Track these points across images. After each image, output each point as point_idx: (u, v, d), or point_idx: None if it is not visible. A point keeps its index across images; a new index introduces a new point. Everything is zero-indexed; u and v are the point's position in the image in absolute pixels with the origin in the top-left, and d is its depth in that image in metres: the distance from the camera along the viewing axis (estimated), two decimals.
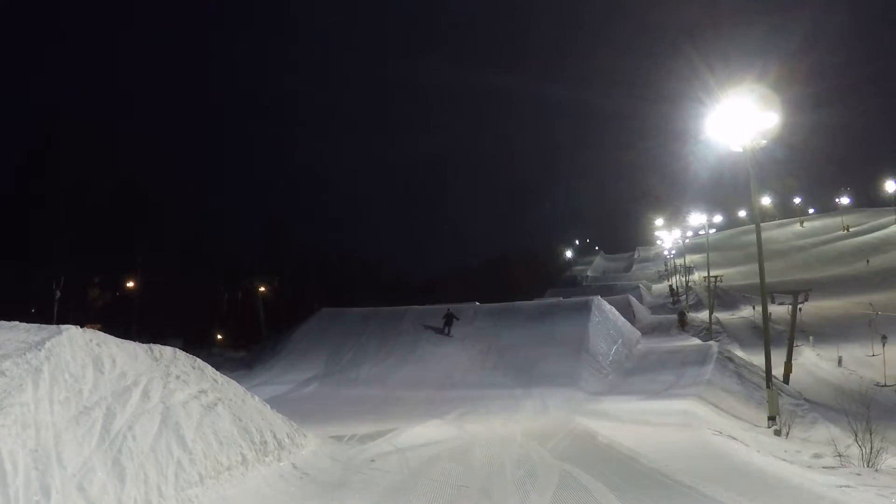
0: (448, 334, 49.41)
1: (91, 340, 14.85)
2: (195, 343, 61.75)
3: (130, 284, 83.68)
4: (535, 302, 67.94)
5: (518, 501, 14.59)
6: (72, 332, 14.58)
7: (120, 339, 16.15)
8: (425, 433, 24.06)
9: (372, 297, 76.77)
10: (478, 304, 58.81)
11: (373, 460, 18.61)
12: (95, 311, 77.03)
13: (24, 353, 13.19)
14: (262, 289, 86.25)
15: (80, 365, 13.78)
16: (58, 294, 60.16)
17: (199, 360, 17.81)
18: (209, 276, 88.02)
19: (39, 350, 13.36)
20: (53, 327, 14.89)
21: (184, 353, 17.59)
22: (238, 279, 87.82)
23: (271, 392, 36.33)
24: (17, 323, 15.83)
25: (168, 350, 17.16)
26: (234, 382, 18.13)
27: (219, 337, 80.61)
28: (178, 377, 15.65)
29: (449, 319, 50.28)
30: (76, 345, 14.26)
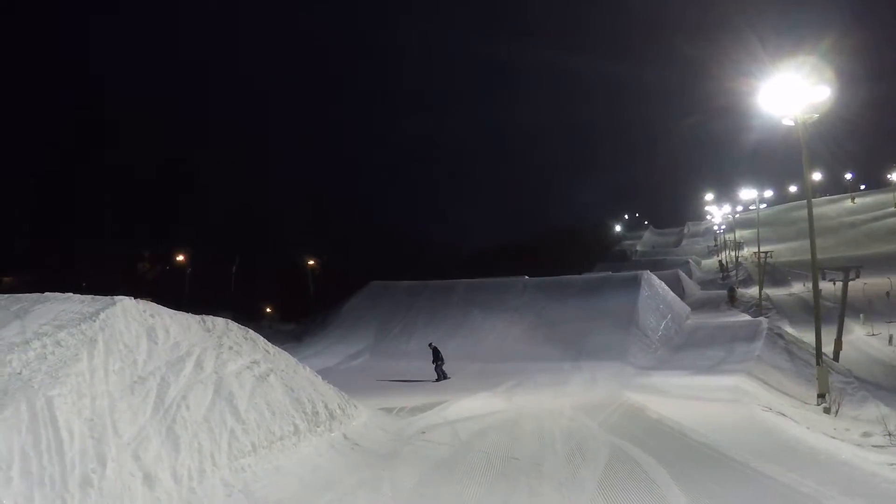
0: (444, 376, 36.35)
1: (144, 311, 15.01)
2: (244, 315, 62.00)
3: (180, 258, 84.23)
4: (585, 276, 67.75)
5: (569, 474, 14.62)
6: (126, 303, 14.74)
7: (173, 311, 16.31)
8: (475, 405, 24.14)
9: (421, 270, 76.83)
10: (527, 277, 58.71)
11: (423, 432, 18.70)
12: (145, 285, 77.40)
13: (79, 324, 13.36)
14: (311, 262, 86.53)
15: (134, 335, 13.93)
16: None
17: (251, 331, 17.95)
18: (258, 250, 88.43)
19: (94, 321, 13.52)
20: (107, 298, 15.05)
21: (236, 324, 17.73)
22: (287, 252, 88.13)
23: (321, 364, 36.51)
24: (70, 294, 16.02)
25: (220, 321, 17.30)
26: (285, 353, 18.24)
27: (267, 310, 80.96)
28: (230, 348, 15.78)
29: (437, 357, 37.27)
30: (130, 316, 14.41)
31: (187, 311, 17.13)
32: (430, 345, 38.61)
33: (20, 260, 72.66)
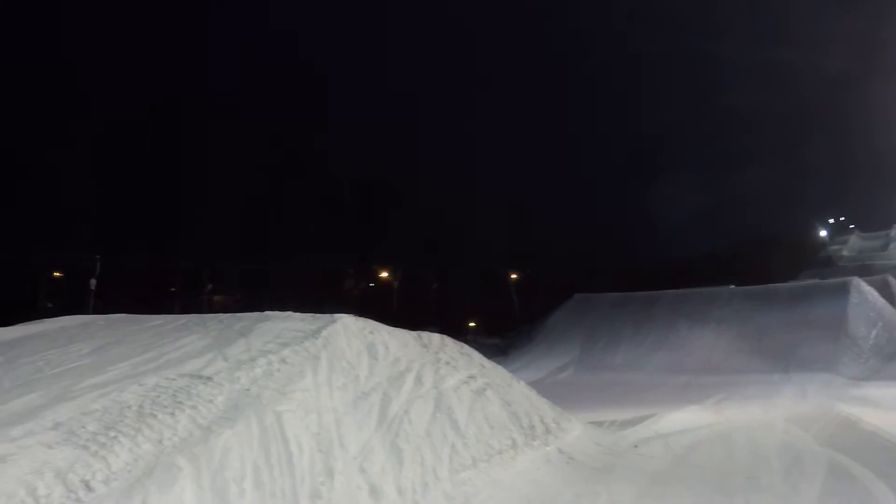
0: None
1: (364, 328, 15.45)
2: (449, 330, 62.56)
3: (384, 274, 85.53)
4: (791, 284, 66.02)
5: (787, 488, 14.30)
6: (346, 320, 15.19)
7: (390, 327, 16.69)
8: (686, 419, 23.83)
9: (621, 281, 76.20)
10: (733, 287, 57.78)
11: (636, 446, 18.55)
12: (351, 301, 78.81)
13: (302, 342, 13.85)
14: (514, 275, 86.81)
15: (355, 352, 14.35)
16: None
17: (465, 345, 18.24)
18: (460, 263, 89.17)
19: (316, 338, 14.00)
20: (328, 316, 15.55)
21: (451, 339, 18.05)
22: (489, 266, 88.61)
23: (527, 378, 36.37)
24: (290, 313, 16.61)
25: (436, 337, 17.65)
26: (500, 368, 18.45)
27: (471, 324, 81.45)
28: (447, 363, 16.05)
29: None
30: (350, 332, 14.84)
31: (393, 327, 17.50)
32: None
33: (230, 279, 75.16)
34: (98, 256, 53.22)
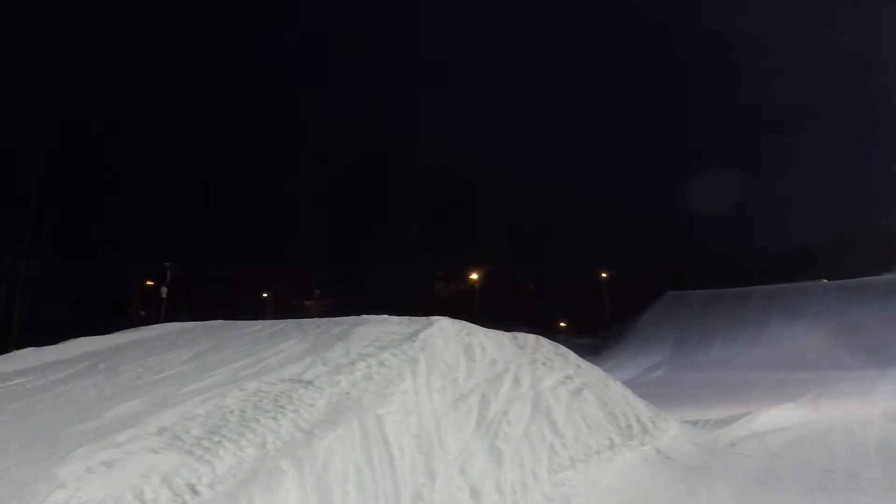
0: None
1: (461, 330, 15.58)
2: (540, 330, 62.33)
3: (474, 276, 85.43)
4: (885, 277, 64.96)
5: (889, 486, 14.10)
6: (443, 322, 15.34)
7: (486, 329, 16.78)
8: (781, 416, 23.53)
9: (713, 278, 75.45)
10: (826, 281, 57.02)
11: (733, 444, 18.42)
12: (440, 303, 78.84)
13: (400, 345, 14.02)
14: (604, 274, 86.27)
15: (453, 354, 14.49)
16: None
17: (561, 346, 18.24)
18: (550, 263, 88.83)
19: (414, 341, 14.16)
20: (424, 319, 15.71)
21: (546, 339, 18.08)
22: (579, 265, 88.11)
23: (620, 377, 35.72)
24: (386, 316, 16.83)
25: (531, 338, 17.71)
26: (596, 367, 18.41)
27: (562, 324, 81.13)
28: (543, 363, 16.10)
29: None
30: (447, 335, 14.98)
31: (489, 329, 17.57)
32: None
33: (320, 284, 75.79)
34: (168, 264, 54.10)
